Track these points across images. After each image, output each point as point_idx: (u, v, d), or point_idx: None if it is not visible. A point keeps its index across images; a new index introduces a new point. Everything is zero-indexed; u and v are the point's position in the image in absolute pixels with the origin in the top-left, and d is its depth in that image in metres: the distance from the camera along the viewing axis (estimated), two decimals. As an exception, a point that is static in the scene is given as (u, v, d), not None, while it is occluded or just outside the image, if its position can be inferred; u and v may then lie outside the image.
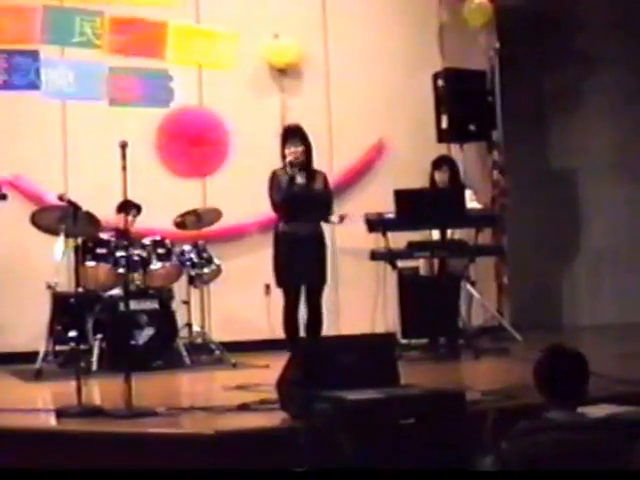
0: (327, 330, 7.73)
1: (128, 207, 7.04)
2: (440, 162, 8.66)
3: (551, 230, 10.28)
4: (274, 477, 4.30)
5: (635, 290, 10.09)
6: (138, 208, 8.05)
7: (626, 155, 10.31)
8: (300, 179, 7.44)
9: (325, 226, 7.73)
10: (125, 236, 7.46)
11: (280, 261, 7.49)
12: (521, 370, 7.27)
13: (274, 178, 7.49)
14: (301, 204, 7.38)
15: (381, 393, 4.84)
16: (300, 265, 7.34)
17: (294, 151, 7.42)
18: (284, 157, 7.53)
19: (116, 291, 7.85)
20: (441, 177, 8.52)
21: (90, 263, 7.83)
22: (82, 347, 7.45)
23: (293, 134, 7.53)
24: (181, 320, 8.14)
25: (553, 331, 9.76)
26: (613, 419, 3.98)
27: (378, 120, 9.49)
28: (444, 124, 9.37)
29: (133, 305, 7.60)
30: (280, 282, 7.54)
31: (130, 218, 7.88)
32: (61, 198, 7.31)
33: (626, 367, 6.69)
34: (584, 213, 10.42)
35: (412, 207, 7.81)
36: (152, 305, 7.90)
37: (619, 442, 3.70)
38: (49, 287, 7.71)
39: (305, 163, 7.49)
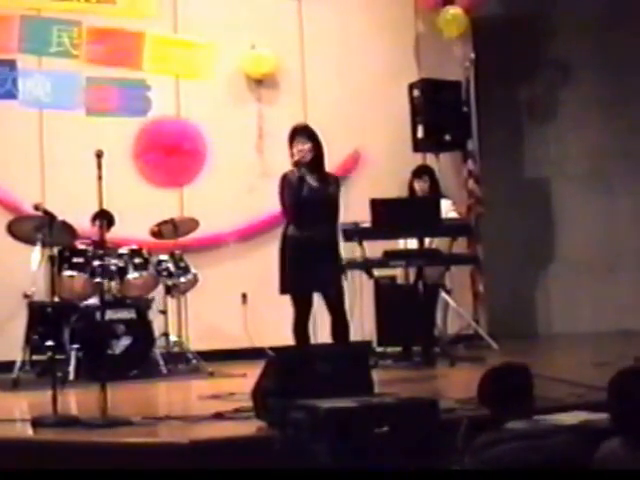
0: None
1: (103, 217, 7.01)
2: (420, 171, 8.66)
3: (526, 239, 10.35)
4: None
5: (609, 298, 10.17)
6: (110, 219, 7.89)
7: (601, 165, 10.39)
8: (312, 181, 6.98)
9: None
10: (101, 246, 7.45)
11: (289, 267, 6.93)
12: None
13: (285, 180, 7.00)
14: (313, 207, 6.90)
15: (355, 402, 4.86)
16: (312, 271, 6.81)
17: (300, 149, 6.96)
18: (292, 158, 7.10)
19: (93, 300, 7.85)
20: (421, 186, 8.51)
21: (67, 272, 7.83)
22: (59, 357, 7.41)
23: (300, 132, 7.07)
24: (158, 329, 8.15)
25: (528, 339, 9.84)
26: (576, 425, 4.06)
27: (354, 130, 9.54)
28: (420, 134, 9.43)
29: (110, 315, 7.65)
30: (287, 289, 6.96)
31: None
32: (37, 207, 7.33)
33: (599, 375, 6.71)
34: (559, 222, 10.49)
35: (388, 216, 7.84)
36: (129, 315, 7.90)
37: (578, 446, 3.77)
38: (26, 296, 7.68)
39: (315, 162, 7.01)
